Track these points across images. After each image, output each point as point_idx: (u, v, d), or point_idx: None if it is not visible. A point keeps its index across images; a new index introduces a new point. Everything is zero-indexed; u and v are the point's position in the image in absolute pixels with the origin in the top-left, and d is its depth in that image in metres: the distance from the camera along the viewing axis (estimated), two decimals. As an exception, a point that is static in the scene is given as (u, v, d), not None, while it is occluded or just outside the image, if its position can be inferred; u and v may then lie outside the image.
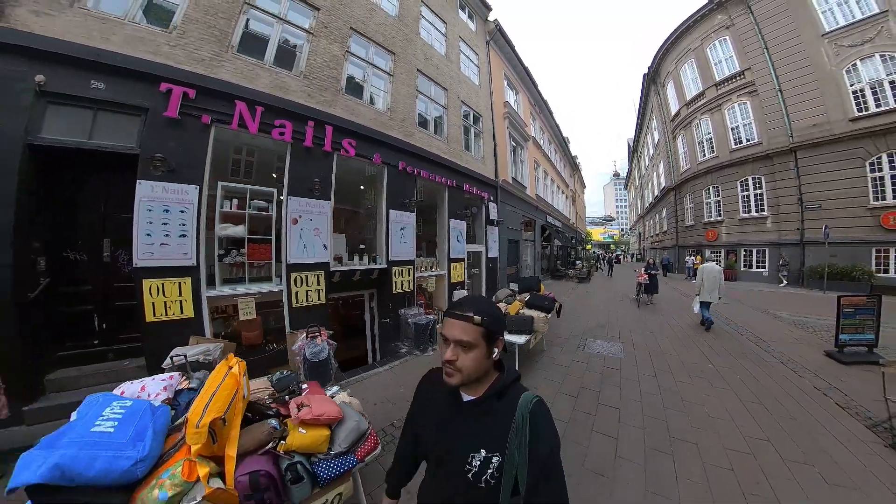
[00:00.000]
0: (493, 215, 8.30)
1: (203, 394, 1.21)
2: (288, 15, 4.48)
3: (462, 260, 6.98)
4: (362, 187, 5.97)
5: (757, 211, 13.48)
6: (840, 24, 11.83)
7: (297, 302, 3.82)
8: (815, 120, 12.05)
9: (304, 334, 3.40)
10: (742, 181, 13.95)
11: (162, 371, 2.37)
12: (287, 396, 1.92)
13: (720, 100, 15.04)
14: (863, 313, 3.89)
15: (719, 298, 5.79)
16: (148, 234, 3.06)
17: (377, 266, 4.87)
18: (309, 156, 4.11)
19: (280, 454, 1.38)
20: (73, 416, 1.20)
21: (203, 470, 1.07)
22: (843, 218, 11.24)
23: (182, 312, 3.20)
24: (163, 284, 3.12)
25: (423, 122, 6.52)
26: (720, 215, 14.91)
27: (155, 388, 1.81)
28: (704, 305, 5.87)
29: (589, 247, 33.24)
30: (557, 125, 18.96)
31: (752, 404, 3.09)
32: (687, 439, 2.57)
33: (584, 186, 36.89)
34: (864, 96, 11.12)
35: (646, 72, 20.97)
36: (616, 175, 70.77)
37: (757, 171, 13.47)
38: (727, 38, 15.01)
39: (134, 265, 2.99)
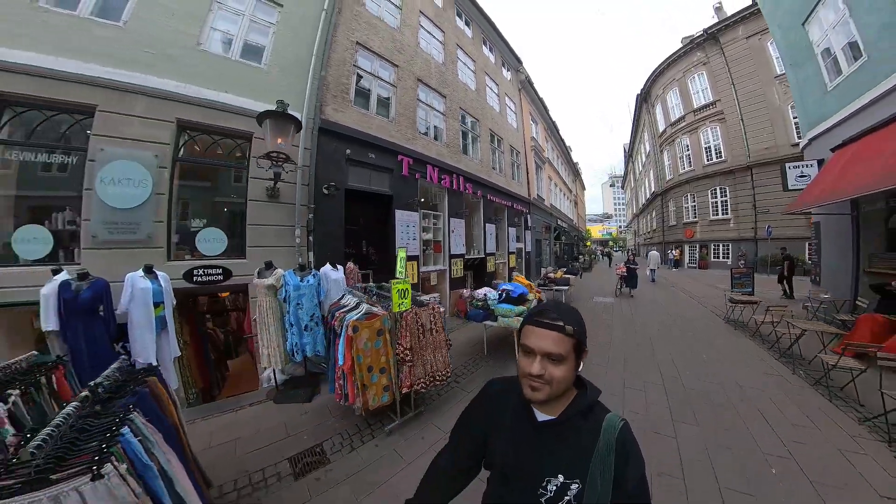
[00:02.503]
0: (529, 223, 11.89)
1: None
2: (433, 103, 7.89)
3: (514, 253, 10.57)
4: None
5: (723, 214, 17.27)
6: (787, 68, 15.44)
7: (453, 275, 7.32)
8: (766, 144, 15.75)
9: (466, 290, 6.89)
10: (712, 190, 17.72)
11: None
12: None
13: (697, 124, 18.72)
14: (744, 277, 7.57)
15: (658, 266, 13.42)
16: (400, 239, 6.42)
17: (480, 256, 8.43)
18: (453, 194, 7.60)
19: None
20: (509, 285, 4.62)
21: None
22: (785, 219, 14.98)
23: (414, 280, 6.59)
24: (407, 265, 6.53)
25: (494, 164, 10.05)
26: (695, 217, 18.71)
27: (483, 291, 5.32)
28: (651, 271, 13.30)
29: (588, 243, 37.12)
30: (563, 140, 22.55)
31: (673, 314, 6.83)
32: (640, 322, 6.33)
33: (584, 189, 40.80)
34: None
35: (639, 92, 24.59)
36: (612, 186, 77.05)
37: (723, 182, 17.23)
38: (704, 72, 18.61)
39: (397, 255, 6.35)
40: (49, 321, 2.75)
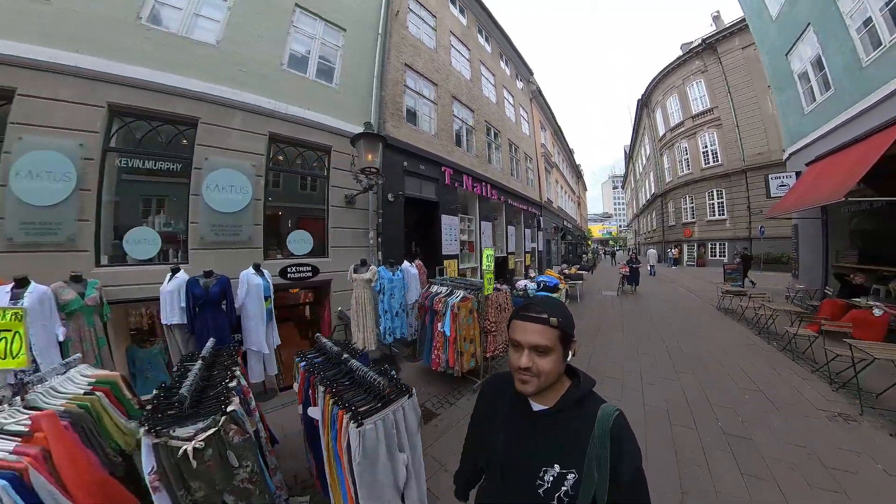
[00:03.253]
0: (542, 225, 13.03)
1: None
2: (465, 118, 8.99)
3: (530, 252, 11.72)
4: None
5: (719, 215, 18.53)
6: (779, 78, 16.65)
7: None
8: (759, 149, 16.98)
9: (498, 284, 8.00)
10: (709, 192, 18.97)
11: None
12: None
13: (695, 129, 19.94)
14: (735, 272, 8.75)
15: (656, 262, 16.18)
16: (445, 240, 7.48)
17: (503, 255, 9.55)
18: (483, 200, 8.71)
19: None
20: (545, 278, 5.75)
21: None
22: (777, 220, 16.21)
23: (456, 273, 7.65)
24: (450, 263, 7.51)
25: (512, 171, 11.19)
26: (693, 218, 19.96)
27: (523, 283, 6.44)
28: (651, 267, 15.55)
29: (589, 243, 38.44)
30: (567, 142, 23.71)
31: (673, 304, 7.98)
32: (645, 310, 7.41)
33: (586, 189, 42.12)
34: (792, 134, 16.03)
35: (640, 97, 25.79)
36: (614, 188, 80.00)
37: (720, 185, 18.47)
38: (702, 80, 19.79)
39: (442, 253, 7.37)
40: (174, 315, 3.23)
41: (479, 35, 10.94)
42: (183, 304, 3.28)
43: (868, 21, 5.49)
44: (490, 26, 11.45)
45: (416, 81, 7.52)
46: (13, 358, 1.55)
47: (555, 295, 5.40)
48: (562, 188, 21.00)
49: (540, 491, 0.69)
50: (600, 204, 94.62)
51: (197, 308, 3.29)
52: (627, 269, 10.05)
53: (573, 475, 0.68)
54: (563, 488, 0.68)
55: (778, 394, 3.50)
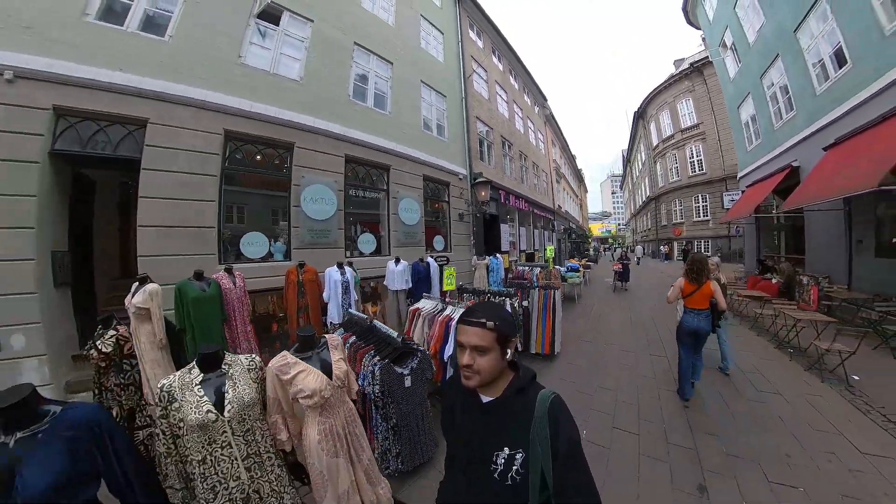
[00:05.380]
0: (556, 229, 16.45)
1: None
2: (508, 150, 12.30)
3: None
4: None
5: (704, 216, 22.11)
6: (753, 100, 20.14)
7: (523, 262, 11.80)
8: (737, 161, 20.51)
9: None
10: (695, 197, 22.54)
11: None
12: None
13: (684, 141, 23.46)
14: (704, 262, 12.23)
15: (642, 255, 23.11)
16: (504, 242, 10.83)
17: (531, 251, 12.94)
18: (520, 211, 12.06)
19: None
20: (571, 264, 9.16)
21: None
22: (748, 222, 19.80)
23: (507, 263, 11.04)
24: (504, 256, 10.83)
25: (535, 186, 14.58)
26: (682, 219, 23.55)
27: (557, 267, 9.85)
28: (638, 259, 21.67)
29: (590, 241, 42.10)
30: (570, 150, 27.16)
31: (654, 285, 11.40)
32: (641, 291, 10.90)
33: (587, 191, 45.79)
34: (762, 149, 19.55)
35: (636, 110, 29.29)
36: (613, 193, 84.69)
37: (704, 191, 22.03)
38: (690, 98, 23.29)
39: (501, 251, 10.78)
40: (401, 284, 5.47)
41: (510, 76, 14.24)
42: (407, 278, 5.65)
43: (776, 100, 8.91)
44: (517, 66, 14.77)
45: (480, 128, 10.79)
46: (450, 285, 4.35)
47: (576, 274, 8.80)
48: (567, 194, 24.49)
49: (495, 475, 0.80)
50: (599, 202, 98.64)
51: (417, 279, 5.71)
52: (620, 266, 11.07)
53: (521, 454, 0.79)
54: (514, 467, 0.79)
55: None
